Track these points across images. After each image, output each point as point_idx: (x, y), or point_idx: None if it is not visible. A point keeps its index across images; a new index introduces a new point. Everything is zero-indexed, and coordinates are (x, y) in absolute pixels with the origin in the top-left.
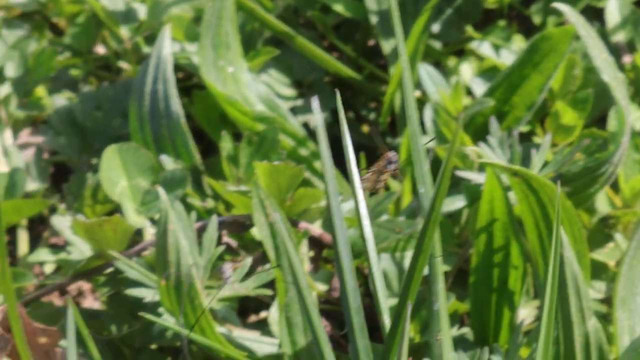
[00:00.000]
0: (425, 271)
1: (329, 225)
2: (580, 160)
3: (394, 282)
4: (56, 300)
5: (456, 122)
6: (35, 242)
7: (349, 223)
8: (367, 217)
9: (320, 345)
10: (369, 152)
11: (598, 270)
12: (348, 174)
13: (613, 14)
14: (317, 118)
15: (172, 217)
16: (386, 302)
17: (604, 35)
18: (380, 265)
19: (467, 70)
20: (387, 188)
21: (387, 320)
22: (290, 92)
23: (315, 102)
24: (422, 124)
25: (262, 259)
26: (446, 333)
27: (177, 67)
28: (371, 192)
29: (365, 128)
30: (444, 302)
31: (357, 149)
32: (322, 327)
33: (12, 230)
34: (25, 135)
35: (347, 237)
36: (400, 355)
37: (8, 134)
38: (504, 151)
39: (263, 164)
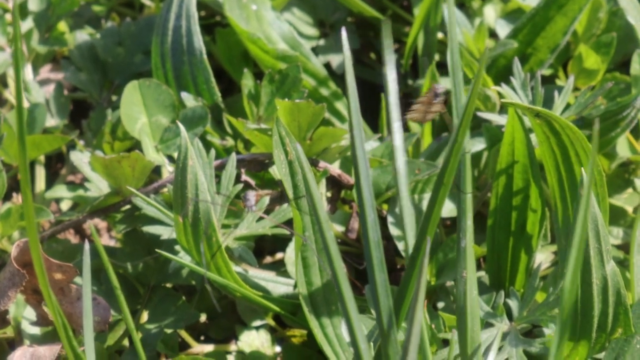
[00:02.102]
0: (446, 213)
1: (348, 165)
2: (602, 104)
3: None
4: (72, 237)
5: (479, 63)
6: (52, 180)
7: (370, 164)
8: (401, 149)
9: (338, 280)
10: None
11: (616, 216)
12: (384, 107)
13: None
14: (345, 47)
15: (192, 154)
16: (411, 235)
17: None
18: (406, 199)
19: (491, 12)
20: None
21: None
22: (312, 31)
23: (344, 34)
24: (444, 65)
25: (280, 199)
26: (471, 271)
27: (200, 5)
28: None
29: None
30: (471, 240)
31: (378, 91)
32: (341, 262)
33: (29, 167)
34: (45, 71)
35: (369, 168)
36: (419, 289)
37: (28, 69)
38: (526, 93)
39: (284, 101)
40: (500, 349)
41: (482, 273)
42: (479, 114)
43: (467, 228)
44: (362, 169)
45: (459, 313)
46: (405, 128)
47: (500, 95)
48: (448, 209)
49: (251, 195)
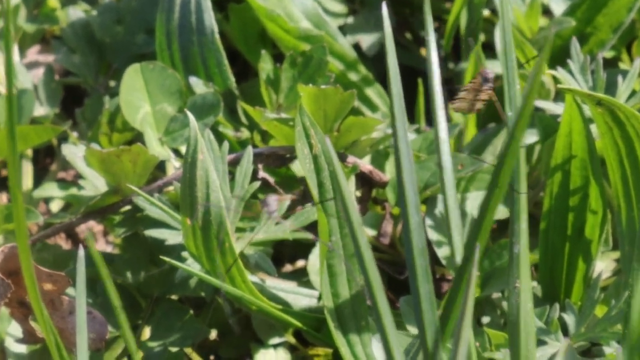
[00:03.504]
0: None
1: (380, 160)
2: None
3: None
4: (63, 243)
5: (534, 44)
6: (40, 177)
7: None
8: (446, 142)
9: (373, 292)
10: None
11: None
12: (421, 94)
13: None
14: (386, 24)
15: (202, 148)
16: (459, 238)
17: None
18: (454, 199)
19: None
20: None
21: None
22: (340, 7)
23: (384, 9)
24: (490, 47)
25: (302, 199)
26: (526, 281)
27: None
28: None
29: (425, 51)
30: (526, 245)
31: (414, 75)
32: (376, 270)
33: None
34: (34, 52)
35: (413, 164)
36: (466, 304)
37: (15, 50)
38: (586, 78)
39: (308, 87)
40: None
41: (534, 283)
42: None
43: (522, 232)
44: (405, 164)
45: (512, 329)
46: (446, 118)
47: (556, 81)
48: (498, 211)
49: (272, 199)
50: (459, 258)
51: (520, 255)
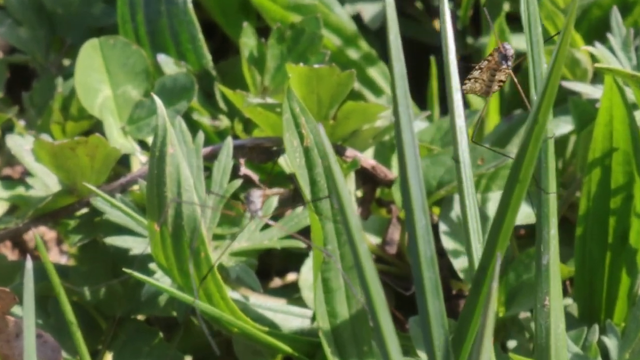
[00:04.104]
0: (521, 219)
1: (385, 153)
2: None
3: None
4: (8, 252)
5: (565, 15)
6: None
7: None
8: (464, 132)
9: (375, 311)
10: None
11: None
12: (434, 74)
13: None
14: None
15: (172, 139)
16: (479, 247)
17: None
18: (472, 200)
19: None
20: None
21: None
22: None
23: None
24: (515, 18)
25: (292, 200)
26: (557, 298)
27: None
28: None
29: (438, 24)
30: (556, 255)
31: (425, 52)
32: (379, 286)
33: None
34: None
35: (419, 158)
36: (485, 324)
37: None
38: (629, 56)
39: (298, 67)
40: None
41: (569, 301)
42: (565, 83)
43: (551, 239)
44: (409, 158)
45: (541, 355)
46: (464, 103)
47: (594, 59)
48: (523, 214)
49: (256, 195)
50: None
51: (549, 266)
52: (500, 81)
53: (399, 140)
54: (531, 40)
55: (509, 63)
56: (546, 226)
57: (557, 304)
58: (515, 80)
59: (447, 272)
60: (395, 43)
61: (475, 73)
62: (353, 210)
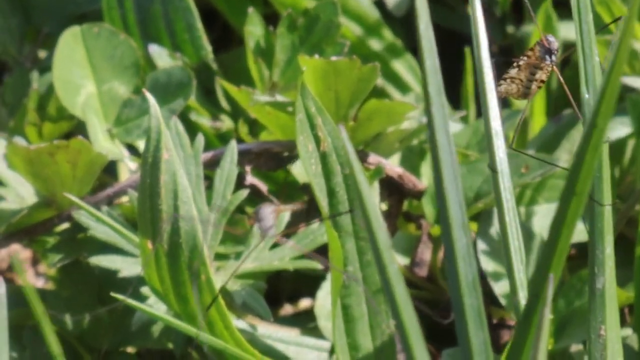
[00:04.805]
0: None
1: (413, 160)
2: None
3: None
4: None
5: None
6: None
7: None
8: (500, 136)
9: (409, 344)
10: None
11: None
12: (469, 69)
13: None
14: None
15: (167, 143)
16: (522, 277)
17: None
18: (514, 214)
19: None
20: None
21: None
22: None
23: None
24: (564, 4)
25: (306, 214)
26: (614, 327)
27: None
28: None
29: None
30: (612, 279)
31: (461, 43)
32: (413, 314)
33: None
34: None
35: (456, 164)
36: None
37: None
38: None
39: (313, 59)
40: None
41: (628, 331)
42: (623, 79)
43: (606, 260)
44: (446, 166)
45: None
46: (505, 102)
47: None
48: (577, 230)
49: (268, 211)
50: (522, 296)
51: (605, 291)
52: (542, 81)
53: (433, 144)
54: (581, 29)
55: (553, 58)
56: (600, 244)
57: (614, 335)
58: (561, 79)
59: (486, 297)
60: (427, 34)
61: (512, 72)
62: (381, 226)
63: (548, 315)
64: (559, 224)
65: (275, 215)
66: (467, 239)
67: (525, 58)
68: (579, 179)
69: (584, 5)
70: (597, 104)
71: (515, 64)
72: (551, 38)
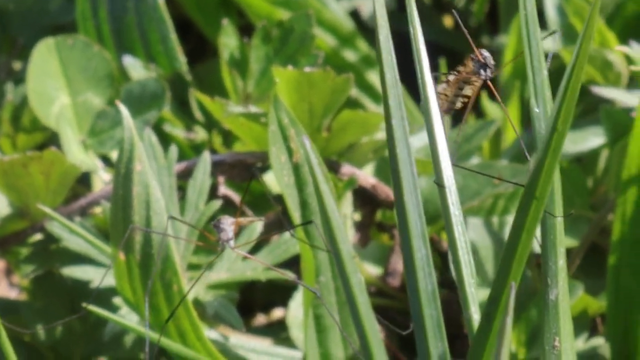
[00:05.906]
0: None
1: (387, 170)
2: None
3: (489, 262)
4: None
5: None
6: None
7: (420, 168)
8: (448, 156)
9: (371, 354)
10: (454, 58)
11: None
12: (419, 86)
13: None
14: None
15: (140, 154)
16: (473, 291)
17: None
18: (466, 233)
19: None
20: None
21: (475, 316)
22: None
23: None
24: (541, 13)
25: (279, 224)
26: (568, 339)
27: None
28: (447, 113)
29: (450, 21)
30: (565, 289)
31: (435, 52)
32: (375, 325)
33: None
34: None
35: (416, 184)
36: None
37: None
38: None
39: (287, 70)
40: None
41: (600, 340)
42: (595, 89)
43: (559, 271)
44: (405, 175)
45: None
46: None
47: (629, 61)
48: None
49: (227, 222)
50: (474, 310)
51: (558, 303)
52: (466, 96)
53: (393, 156)
54: (530, 42)
55: (489, 73)
56: (553, 256)
57: (569, 346)
58: (495, 92)
59: (457, 308)
60: (387, 45)
61: (440, 87)
62: (345, 237)
63: (509, 322)
64: (519, 229)
65: (235, 226)
66: (426, 250)
67: (455, 73)
68: (538, 184)
69: (531, 18)
70: (557, 106)
71: (445, 79)
72: (486, 53)
